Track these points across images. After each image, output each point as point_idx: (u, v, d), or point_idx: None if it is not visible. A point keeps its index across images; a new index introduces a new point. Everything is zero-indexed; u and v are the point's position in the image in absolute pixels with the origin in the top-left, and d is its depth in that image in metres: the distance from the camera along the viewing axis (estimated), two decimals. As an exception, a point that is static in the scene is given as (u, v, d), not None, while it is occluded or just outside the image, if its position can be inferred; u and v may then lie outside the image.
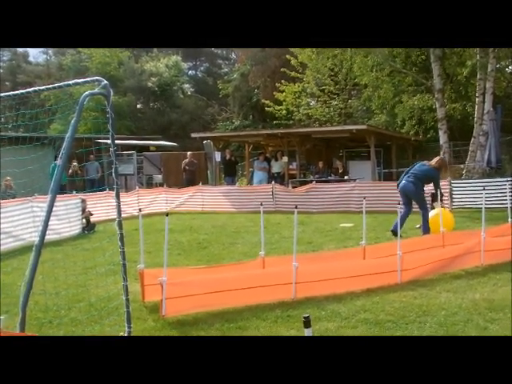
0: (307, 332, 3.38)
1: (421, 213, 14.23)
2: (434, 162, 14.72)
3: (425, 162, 15.11)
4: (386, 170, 30.18)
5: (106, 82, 6.71)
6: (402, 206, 13.77)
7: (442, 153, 27.29)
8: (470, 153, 26.49)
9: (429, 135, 33.06)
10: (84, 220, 17.65)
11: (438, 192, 14.67)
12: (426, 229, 13.95)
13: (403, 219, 13.46)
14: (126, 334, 6.97)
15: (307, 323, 3.39)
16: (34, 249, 6.43)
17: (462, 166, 27.95)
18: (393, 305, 8.12)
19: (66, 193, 19.01)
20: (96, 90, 6.76)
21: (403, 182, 14.49)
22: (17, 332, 5.92)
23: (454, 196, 20.23)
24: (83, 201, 17.93)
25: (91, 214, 18.18)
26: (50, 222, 6.77)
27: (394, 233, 13.26)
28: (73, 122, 6.67)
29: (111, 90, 6.78)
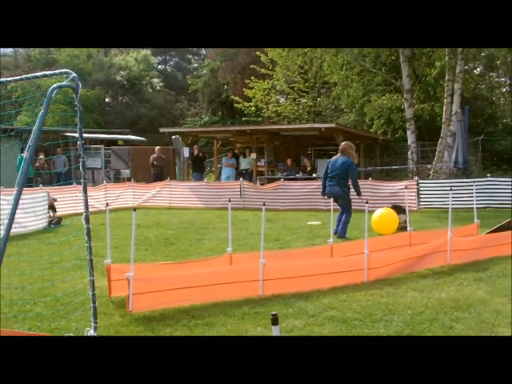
0: (275, 329, 3.37)
1: (343, 215, 14.09)
2: (340, 151, 14.33)
3: (333, 158, 14.73)
4: (354, 169, 30.25)
5: (74, 74, 6.64)
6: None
7: (409, 153, 27.57)
8: (437, 153, 26.75)
9: (397, 135, 33.33)
10: (50, 209, 17.51)
11: (356, 184, 14.20)
12: (343, 233, 13.78)
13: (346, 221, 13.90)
14: (92, 330, 6.91)
15: (275, 320, 3.38)
16: (-1, 242, 6.35)
17: (429, 166, 28.21)
18: (359, 303, 8.14)
19: (32, 186, 18.85)
20: (64, 83, 6.68)
21: (327, 188, 14.30)
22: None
23: (421, 196, 20.36)
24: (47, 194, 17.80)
25: (55, 200, 18.00)
26: (16, 216, 6.69)
27: (339, 236, 13.45)
28: (40, 114, 6.59)
29: (80, 83, 6.71)
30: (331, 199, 12.61)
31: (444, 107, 26.72)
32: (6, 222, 6.64)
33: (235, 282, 8.56)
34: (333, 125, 27.45)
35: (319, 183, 22.36)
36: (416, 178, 21.35)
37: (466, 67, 28.13)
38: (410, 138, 27.83)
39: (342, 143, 14.57)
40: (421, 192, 20.41)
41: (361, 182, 22.22)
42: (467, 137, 25.76)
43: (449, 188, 16.40)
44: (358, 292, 8.71)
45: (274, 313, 3.36)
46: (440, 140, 26.58)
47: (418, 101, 31.94)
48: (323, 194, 14.60)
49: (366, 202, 10.30)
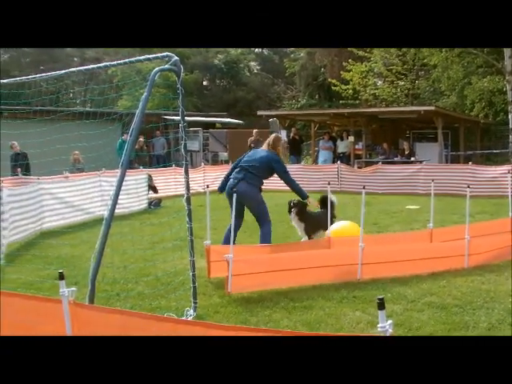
0: (381, 314, 3.34)
1: (260, 229, 10.23)
2: (268, 143, 10.56)
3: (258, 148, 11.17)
4: (454, 153, 29.70)
5: (176, 58, 6.75)
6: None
7: (511, 136, 26.82)
8: (541, 137, 25.98)
9: (498, 118, 32.46)
10: (150, 190, 17.97)
11: (292, 186, 10.93)
12: None
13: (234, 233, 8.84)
14: (191, 310, 7.05)
15: (381, 305, 3.34)
16: (103, 222, 6.52)
17: (531, 151, 27.42)
18: (460, 289, 8.01)
19: (134, 168, 19.29)
20: (167, 66, 6.80)
21: (230, 180, 10.05)
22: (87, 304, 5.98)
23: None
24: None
25: (151, 180, 18.38)
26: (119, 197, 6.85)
27: None
28: (143, 97, 6.73)
29: (181, 67, 6.81)
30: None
31: (549, 89, 25.96)
32: (109, 202, 6.82)
33: (334, 266, 8.55)
34: (432, 107, 26.90)
35: (418, 167, 22.12)
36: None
37: None
38: (513, 121, 27.13)
39: (273, 136, 10.85)
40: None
41: (461, 166, 21.88)
42: None
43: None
44: (458, 278, 8.58)
45: (380, 297, 3.31)
46: (545, 124, 25.84)
47: (521, 83, 31.06)
48: (220, 189, 10.38)
49: (468, 187, 10.07)
